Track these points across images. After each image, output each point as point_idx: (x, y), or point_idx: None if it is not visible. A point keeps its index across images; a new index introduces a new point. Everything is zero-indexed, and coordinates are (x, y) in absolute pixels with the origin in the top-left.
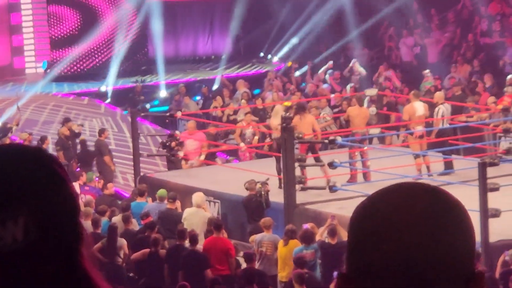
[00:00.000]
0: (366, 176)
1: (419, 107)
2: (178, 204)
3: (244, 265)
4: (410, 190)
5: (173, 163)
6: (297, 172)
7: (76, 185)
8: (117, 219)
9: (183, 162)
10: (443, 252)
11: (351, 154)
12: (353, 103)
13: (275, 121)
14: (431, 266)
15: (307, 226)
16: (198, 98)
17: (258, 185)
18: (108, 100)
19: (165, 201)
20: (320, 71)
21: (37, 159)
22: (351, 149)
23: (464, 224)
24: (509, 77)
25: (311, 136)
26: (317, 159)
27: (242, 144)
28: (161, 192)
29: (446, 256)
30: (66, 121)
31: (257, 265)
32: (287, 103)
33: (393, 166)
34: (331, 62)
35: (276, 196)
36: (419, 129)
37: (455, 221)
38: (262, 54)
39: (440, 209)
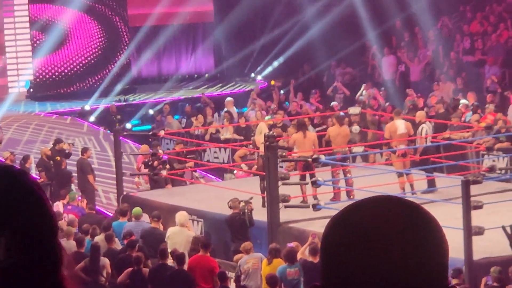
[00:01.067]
0: (349, 194)
1: (400, 125)
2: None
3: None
4: (383, 203)
5: (156, 182)
6: (281, 190)
7: (59, 204)
8: (99, 238)
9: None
10: (416, 265)
11: (333, 172)
12: (333, 122)
13: (259, 138)
14: (403, 280)
15: (291, 245)
16: (179, 117)
17: (242, 204)
18: (92, 119)
19: (142, 220)
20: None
21: (15, 180)
22: (334, 168)
23: (437, 238)
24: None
25: (298, 154)
26: (302, 178)
27: (243, 166)
28: (136, 210)
29: (419, 270)
30: (57, 142)
31: (246, 281)
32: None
33: (377, 184)
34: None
35: (260, 214)
36: (402, 147)
37: (428, 235)
38: (253, 75)
39: (412, 222)
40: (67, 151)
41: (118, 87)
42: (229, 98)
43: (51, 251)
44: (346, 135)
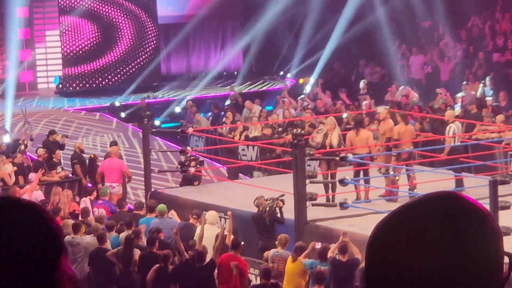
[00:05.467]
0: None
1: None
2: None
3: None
4: (434, 202)
5: (188, 180)
6: (308, 188)
7: (87, 200)
8: (125, 234)
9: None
10: (466, 266)
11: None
12: (397, 120)
13: (335, 134)
14: (453, 282)
15: (319, 245)
16: (209, 114)
17: (268, 202)
18: (123, 116)
19: (168, 216)
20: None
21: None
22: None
23: (489, 236)
24: None
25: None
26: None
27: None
28: (161, 207)
29: (469, 270)
30: (51, 133)
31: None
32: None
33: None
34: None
35: (287, 212)
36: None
37: (480, 237)
38: (281, 73)
39: (462, 223)
40: (61, 142)
41: (147, 84)
42: (256, 100)
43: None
44: (412, 133)
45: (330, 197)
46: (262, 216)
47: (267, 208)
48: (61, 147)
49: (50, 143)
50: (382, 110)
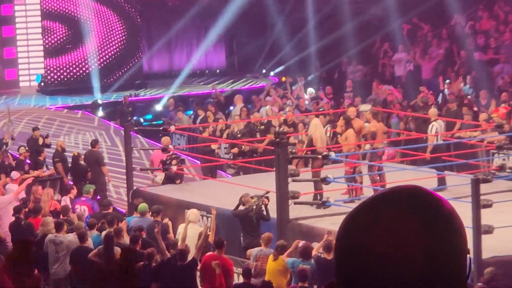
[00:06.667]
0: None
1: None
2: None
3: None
4: (398, 197)
5: (170, 179)
6: (290, 187)
7: (67, 199)
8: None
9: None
10: (431, 262)
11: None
12: (368, 119)
13: (319, 134)
14: (418, 277)
15: (302, 243)
16: (191, 112)
17: (254, 199)
18: (102, 114)
19: (147, 216)
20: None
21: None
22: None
23: (455, 234)
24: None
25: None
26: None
27: None
28: (142, 206)
29: (434, 267)
30: (34, 129)
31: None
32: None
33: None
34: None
35: (270, 211)
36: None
37: (443, 232)
38: (264, 71)
39: (429, 217)
40: (47, 143)
41: (129, 82)
42: (238, 95)
43: None
44: (384, 130)
45: (318, 195)
46: (249, 214)
47: (254, 206)
48: (47, 145)
49: (34, 142)
50: (366, 108)
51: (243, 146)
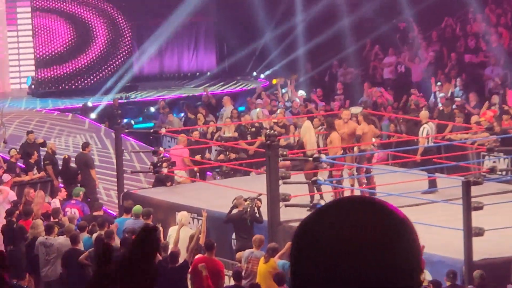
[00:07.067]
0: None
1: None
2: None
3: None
4: (352, 205)
5: (160, 181)
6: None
7: (56, 201)
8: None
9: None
10: (380, 267)
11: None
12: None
13: (307, 138)
14: (368, 281)
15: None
16: (182, 115)
17: (247, 202)
18: (93, 117)
19: (141, 218)
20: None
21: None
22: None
23: (405, 240)
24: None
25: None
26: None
27: None
28: (136, 208)
29: (383, 272)
30: (28, 132)
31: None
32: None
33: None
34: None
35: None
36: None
37: (396, 238)
38: (254, 73)
39: (381, 224)
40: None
41: (120, 85)
42: (227, 97)
43: None
44: (374, 133)
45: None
46: (243, 216)
47: (248, 209)
48: (43, 144)
49: (27, 145)
50: (357, 110)
51: (229, 154)
